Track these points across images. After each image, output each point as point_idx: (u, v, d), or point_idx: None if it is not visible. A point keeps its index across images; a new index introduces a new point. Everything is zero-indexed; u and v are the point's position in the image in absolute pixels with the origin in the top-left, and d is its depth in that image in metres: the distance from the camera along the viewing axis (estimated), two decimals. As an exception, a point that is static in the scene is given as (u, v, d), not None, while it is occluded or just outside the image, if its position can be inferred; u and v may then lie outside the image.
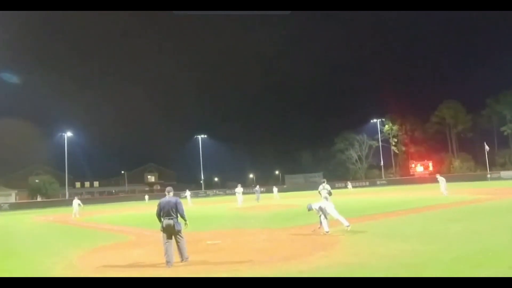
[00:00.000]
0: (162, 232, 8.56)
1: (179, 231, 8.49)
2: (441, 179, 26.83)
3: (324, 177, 71.40)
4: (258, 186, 37.67)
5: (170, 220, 8.40)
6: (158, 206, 8.66)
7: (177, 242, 8.54)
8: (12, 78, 68.10)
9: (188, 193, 39.37)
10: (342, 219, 11.73)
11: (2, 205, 57.03)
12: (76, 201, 28.16)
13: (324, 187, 18.83)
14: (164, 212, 8.48)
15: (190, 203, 36.90)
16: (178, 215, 8.55)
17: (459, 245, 8.99)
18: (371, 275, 6.56)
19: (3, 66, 67.35)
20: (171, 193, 8.84)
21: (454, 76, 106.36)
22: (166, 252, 8.34)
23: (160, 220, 8.61)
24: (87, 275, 7.88)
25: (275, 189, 42.57)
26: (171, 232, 8.45)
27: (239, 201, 30.40)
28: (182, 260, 8.51)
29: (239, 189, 31.22)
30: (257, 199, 33.93)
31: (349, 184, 57.99)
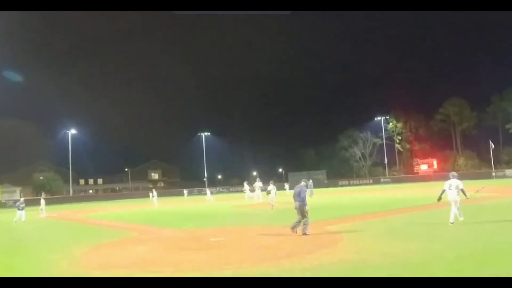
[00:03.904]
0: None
1: (302, 211, 11.09)
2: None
3: (328, 175, 72.00)
4: (306, 181, 33.01)
5: (297, 202, 11.28)
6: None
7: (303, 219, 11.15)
8: (16, 77, 68.28)
9: (154, 193, 37.82)
10: None
11: (6, 202, 57.44)
12: (43, 200, 31.24)
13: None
14: (295, 196, 11.44)
15: (155, 203, 35.70)
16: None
17: (464, 243, 8.95)
18: (374, 273, 6.54)
19: (7, 65, 67.56)
20: (302, 183, 11.76)
21: (458, 73, 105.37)
22: (293, 223, 11.27)
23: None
24: (91, 272, 7.92)
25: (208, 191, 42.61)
26: (299, 211, 11.17)
27: (258, 196, 28.42)
28: (303, 234, 10.95)
29: (258, 183, 29.39)
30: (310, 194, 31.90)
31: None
